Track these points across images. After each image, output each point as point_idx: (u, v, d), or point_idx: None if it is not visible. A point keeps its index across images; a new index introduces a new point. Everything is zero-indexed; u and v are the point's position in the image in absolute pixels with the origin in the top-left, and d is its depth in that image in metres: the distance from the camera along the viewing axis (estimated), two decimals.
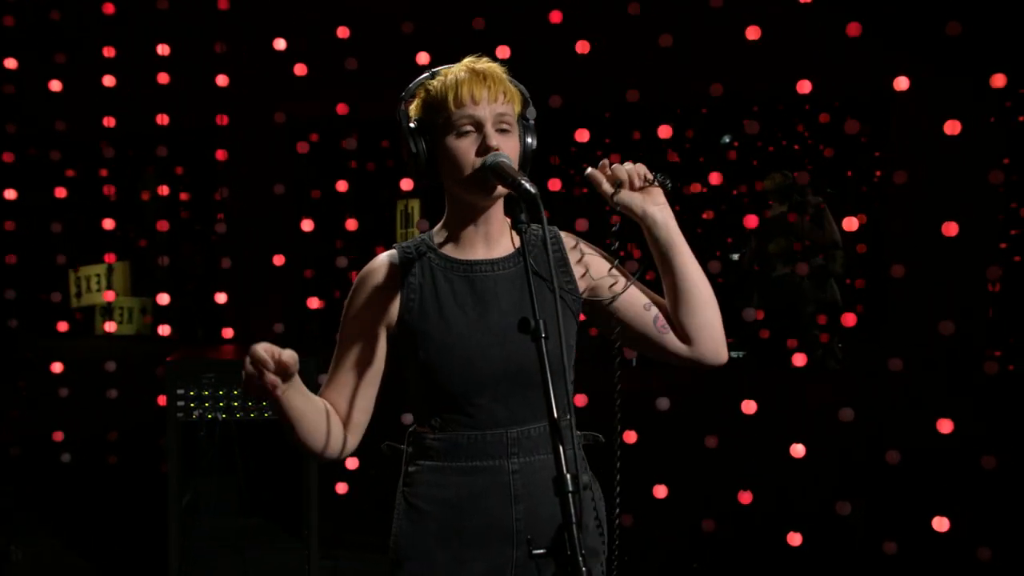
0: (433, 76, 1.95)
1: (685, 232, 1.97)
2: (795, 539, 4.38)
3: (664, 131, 4.31)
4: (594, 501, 2.07)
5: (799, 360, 4.36)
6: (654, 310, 2.01)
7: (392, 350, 2.01)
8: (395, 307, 1.97)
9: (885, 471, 4.24)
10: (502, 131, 1.90)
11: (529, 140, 1.98)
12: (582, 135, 4.43)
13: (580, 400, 4.40)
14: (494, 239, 2.01)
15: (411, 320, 1.95)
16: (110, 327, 5.70)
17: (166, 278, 6.18)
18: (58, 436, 5.43)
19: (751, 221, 4.25)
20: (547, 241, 1.76)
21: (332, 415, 1.95)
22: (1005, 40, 4.18)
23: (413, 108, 1.98)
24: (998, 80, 4.03)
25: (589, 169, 1.96)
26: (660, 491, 4.44)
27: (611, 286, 2.02)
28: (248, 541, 4.13)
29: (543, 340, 1.63)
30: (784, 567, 4.55)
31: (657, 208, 1.93)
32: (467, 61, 1.96)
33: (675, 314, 1.98)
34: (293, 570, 4.12)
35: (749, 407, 4.32)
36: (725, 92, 4.32)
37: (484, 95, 1.88)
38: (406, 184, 4.88)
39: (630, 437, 4.42)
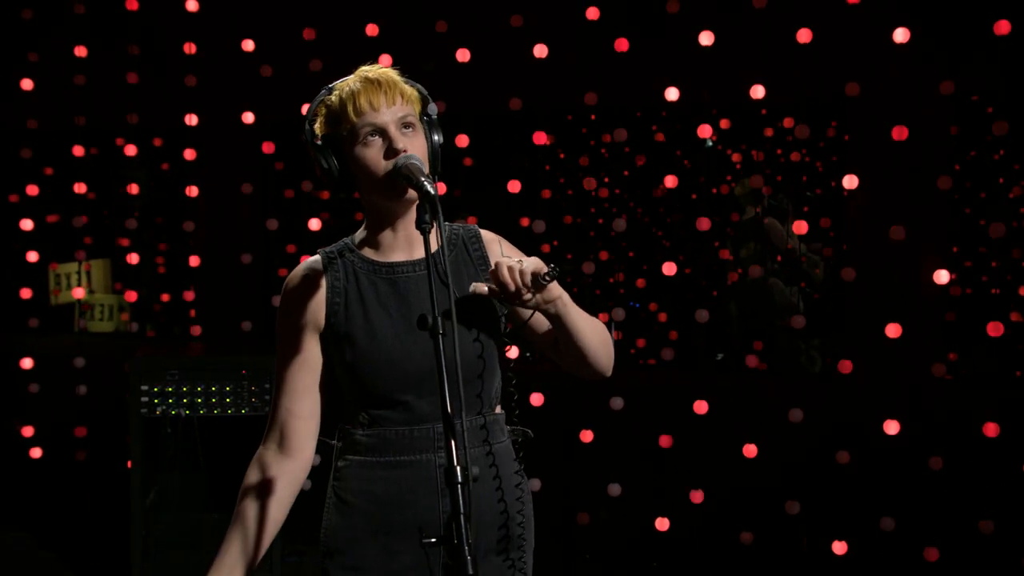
0: (330, 92, 2.00)
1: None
2: (747, 538, 4.43)
3: (620, 134, 4.36)
4: (522, 494, 2.11)
5: (752, 361, 4.41)
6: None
7: (326, 351, 2.06)
8: (322, 311, 2.02)
9: (835, 472, 4.28)
10: (406, 132, 1.95)
11: (436, 137, 2.02)
12: (540, 137, 4.48)
13: (537, 398, 4.46)
14: (413, 240, 2.05)
15: (337, 322, 2.00)
16: (83, 323, 5.74)
17: (142, 276, 6.24)
18: (28, 431, 5.47)
19: (704, 224, 4.30)
20: (442, 240, 1.82)
21: (265, 510, 2.00)
22: (954, 47, 4.24)
23: (317, 127, 2.02)
24: (947, 87, 4.08)
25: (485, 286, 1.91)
26: (614, 489, 4.48)
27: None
28: (212, 537, 4.13)
29: (440, 336, 1.69)
30: (736, 565, 4.60)
31: (550, 305, 1.91)
32: (360, 71, 2.00)
33: (565, 358, 2.08)
34: (257, 567, 4.14)
35: (701, 407, 4.37)
36: (680, 96, 4.37)
37: (382, 100, 1.93)
38: None
39: (586, 436, 4.47)
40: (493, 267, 1.84)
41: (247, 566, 1.96)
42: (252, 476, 2.02)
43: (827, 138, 5.36)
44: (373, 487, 2.01)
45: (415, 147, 1.94)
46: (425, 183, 1.80)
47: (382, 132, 1.93)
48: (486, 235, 2.12)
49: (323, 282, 2.03)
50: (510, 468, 2.10)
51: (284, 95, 5.08)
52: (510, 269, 1.82)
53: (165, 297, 6.52)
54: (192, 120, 5.27)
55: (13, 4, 5.52)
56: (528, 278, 1.81)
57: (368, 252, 2.06)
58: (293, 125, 5.24)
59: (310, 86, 4.77)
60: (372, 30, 4.83)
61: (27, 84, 5.43)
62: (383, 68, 2.00)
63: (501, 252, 2.10)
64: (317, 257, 2.08)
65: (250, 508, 1.99)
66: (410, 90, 1.99)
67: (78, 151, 5.41)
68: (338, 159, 1.99)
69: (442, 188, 2.08)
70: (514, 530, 2.07)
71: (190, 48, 5.17)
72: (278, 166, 5.57)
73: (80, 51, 5.33)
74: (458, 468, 1.64)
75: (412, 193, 1.92)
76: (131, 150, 5.30)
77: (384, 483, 2.00)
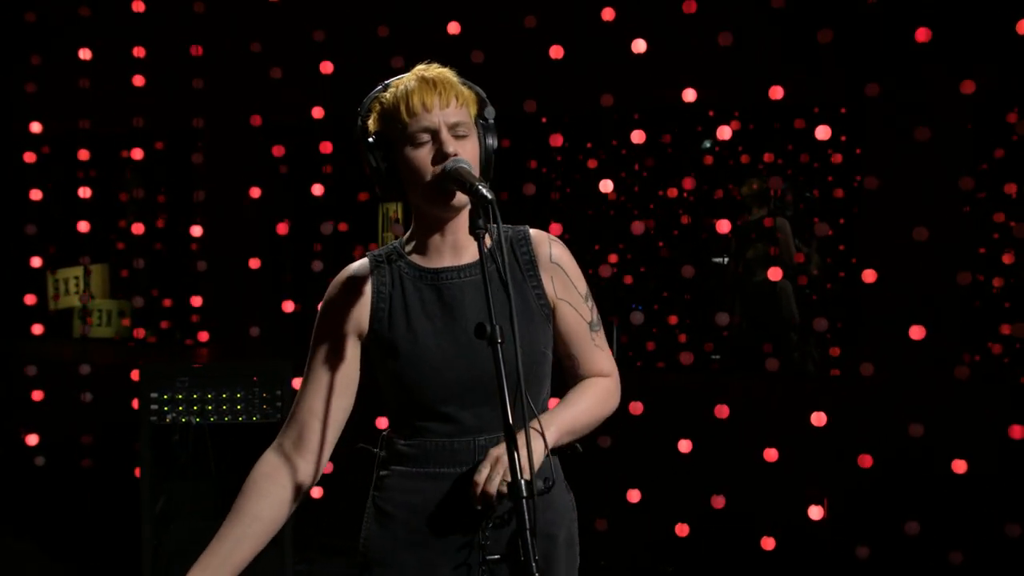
0: (385, 89, 1.95)
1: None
2: (768, 543, 4.40)
3: (637, 136, 4.33)
4: (569, 510, 2.08)
5: (772, 364, 4.38)
6: (572, 361, 2.07)
7: (365, 358, 2.01)
8: (365, 316, 1.97)
9: (857, 475, 4.26)
10: (458, 136, 1.90)
11: (490, 141, 1.97)
12: (556, 140, 4.45)
13: (553, 403, 4.40)
14: (461, 246, 2.00)
15: (380, 329, 1.96)
16: (85, 330, 5.68)
17: (143, 281, 6.17)
18: (32, 439, 5.40)
19: (723, 226, 4.27)
20: (502, 245, 1.77)
21: (261, 506, 1.92)
22: (975, 46, 4.22)
23: (370, 123, 1.97)
24: (968, 86, 4.06)
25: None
26: (634, 495, 4.44)
27: (567, 314, 2.04)
28: None
29: (499, 345, 1.64)
30: (758, 571, 4.57)
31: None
32: (418, 69, 1.95)
33: None
34: (267, 574, 4.10)
35: (722, 411, 4.34)
36: (698, 98, 4.33)
37: (435, 102, 1.88)
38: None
39: (604, 442, 4.43)
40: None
41: (237, 562, 1.87)
42: (259, 471, 1.95)
43: (844, 140, 5.35)
44: (412, 498, 1.96)
45: (467, 152, 1.89)
46: (480, 187, 1.74)
47: (434, 134, 1.88)
48: (535, 236, 2.05)
49: (369, 287, 1.98)
50: (559, 483, 2.05)
51: (293, 98, 5.04)
52: (486, 494, 1.79)
53: (167, 302, 6.45)
54: (199, 123, 5.22)
55: (16, 7, 5.46)
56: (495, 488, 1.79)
57: (415, 257, 2.01)
58: (302, 128, 5.25)
59: (320, 89, 4.78)
60: (383, 32, 4.78)
61: (31, 87, 5.38)
62: (440, 68, 1.95)
63: (550, 255, 2.03)
64: (364, 261, 2.03)
65: (250, 504, 1.92)
66: (467, 92, 1.94)
67: (83, 155, 5.35)
68: (388, 158, 1.94)
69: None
70: (558, 549, 2.02)
71: (197, 50, 5.12)
72: (286, 169, 5.52)
73: (85, 54, 5.27)
74: (523, 482, 1.59)
75: (458, 200, 1.88)
76: (137, 154, 5.24)
77: (423, 495, 1.96)
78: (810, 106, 4.73)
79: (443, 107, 1.88)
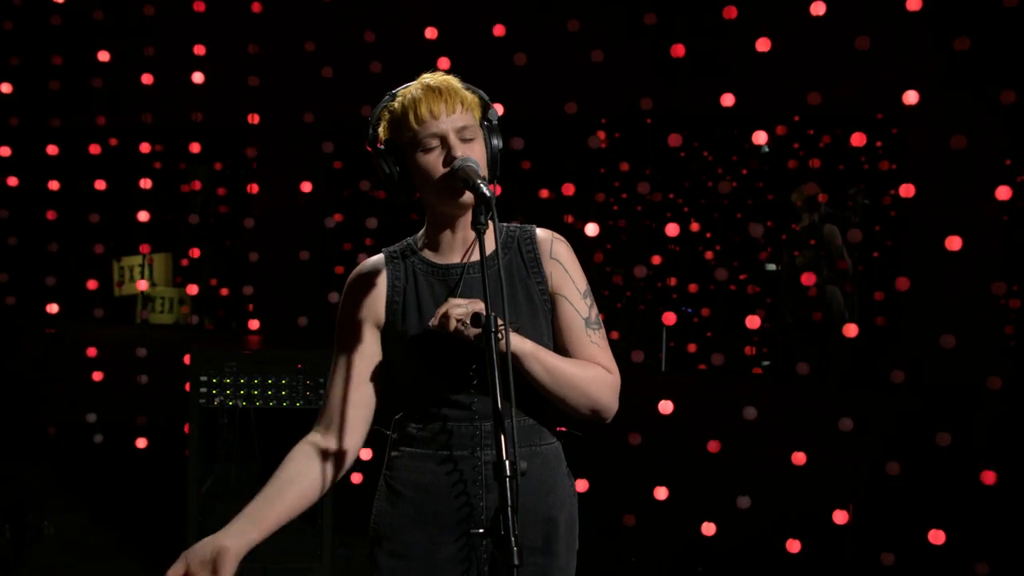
0: (393, 98, 2.06)
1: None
2: (794, 546, 4.42)
3: (674, 139, 4.38)
4: (569, 497, 2.14)
5: (803, 368, 4.39)
6: (566, 355, 2.10)
7: (385, 346, 2.12)
8: (382, 307, 2.09)
9: (884, 482, 4.26)
10: (465, 140, 2.00)
11: (495, 142, 2.07)
12: (596, 141, 4.52)
13: None
14: (471, 242, 2.10)
15: (394, 320, 2.07)
16: (144, 315, 5.88)
17: (202, 270, 6.37)
18: (91, 417, 5.61)
19: (756, 230, 4.30)
20: (498, 241, 1.87)
21: (297, 472, 2.01)
22: (1015, 56, 4.19)
23: (380, 131, 2.08)
24: (1008, 96, 4.04)
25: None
26: (661, 493, 4.49)
27: (562, 307, 2.10)
28: None
29: (493, 334, 1.73)
30: (782, 574, 4.58)
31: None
32: (423, 78, 2.05)
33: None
34: (308, 557, 4.20)
35: (750, 413, 4.36)
36: (736, 103, 4.37)
37: (442, 109, 1.98)
38: None
39: (634, 439, 4.49)
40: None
41: (271, 520, 1.92)
42: (296, 451, 2.05)
43: (883, 147, 5.32)
44: (421, 478, 2.07)
45: (474, 154, 1.99)
46: (481, 185, 1.84)
47: (442, 140, 1.99)
48: (540, 234, 2.14)
49: (384, 280, 2.10)
50: (558, 470, 2.13)
51: (344, 96, 5.18)
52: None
53: (224, 291, 6.64)
54: (254, 119, 5.38)
55: (84, 5, 5.67)
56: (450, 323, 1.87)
57: (427, 253, 2.12)
58: (352, 125, 5.39)
59: (369, 88, 4.90)
60: (431, 33, 4.89)
61: (98, 82, 5.59)
62: (444, 75, 2.05)
63: (551, 251, 2.12)
64: (380, 256, 2.15)
65: (284, 471, 2.01)
66: (471, 97, 2.04)
67: (145, 148, 5.55)
68: (399, 163, 2.04)
69: (497, 190, 2.11)
70: (559, 532, 2.10)
71: (253, 49, 5.28)
72: (337, 165, 5.67)
73: (149, 51, 5.47)
74: (507, 462, 1.67)
75: (467, 198, 1.97)
76: (195, 147, 5.43)
77: (432, 475, 2.06)
78: (849, 113, 4.72)
79: (449, 113, 1.98)
